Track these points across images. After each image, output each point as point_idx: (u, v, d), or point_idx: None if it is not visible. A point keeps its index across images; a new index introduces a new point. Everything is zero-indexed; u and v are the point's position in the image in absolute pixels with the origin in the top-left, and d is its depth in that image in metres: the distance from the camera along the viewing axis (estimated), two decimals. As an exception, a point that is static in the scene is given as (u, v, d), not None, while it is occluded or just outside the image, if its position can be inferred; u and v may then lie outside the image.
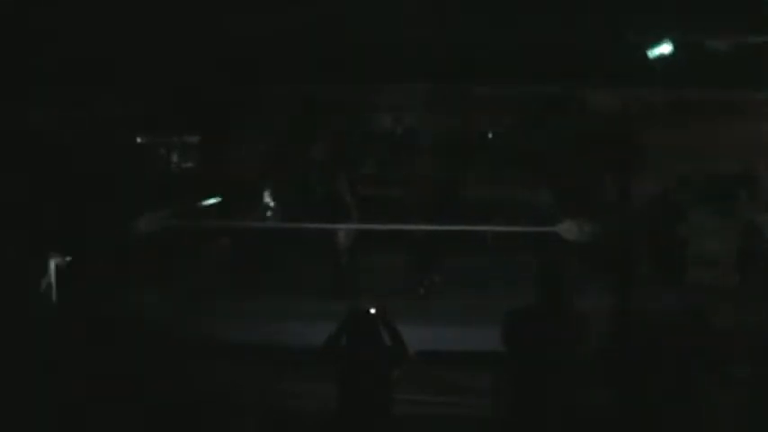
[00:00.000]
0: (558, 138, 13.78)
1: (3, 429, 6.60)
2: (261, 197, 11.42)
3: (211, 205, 12.07)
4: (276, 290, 10.69)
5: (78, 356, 7.20)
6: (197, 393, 7.33)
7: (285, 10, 11.31)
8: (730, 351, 6.88)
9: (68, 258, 8.80)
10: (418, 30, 11.54)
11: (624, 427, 6.66)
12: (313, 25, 11.44)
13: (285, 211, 11.46)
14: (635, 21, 11.33)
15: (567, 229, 8.58)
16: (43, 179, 10.72)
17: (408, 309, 8.05)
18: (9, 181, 10.27)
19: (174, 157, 14.49)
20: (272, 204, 11.34)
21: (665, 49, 11.78)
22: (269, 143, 13.78)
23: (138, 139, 14.21)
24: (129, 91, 12.53)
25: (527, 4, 11.27)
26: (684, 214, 11.53)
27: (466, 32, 11.66)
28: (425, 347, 6.92)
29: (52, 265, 8.64)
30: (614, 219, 9.90)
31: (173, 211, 9.39)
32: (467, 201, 12.19)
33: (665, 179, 12.11)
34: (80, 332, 7.57)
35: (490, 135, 14.77)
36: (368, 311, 6.23)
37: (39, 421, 6.62)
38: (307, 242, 11.36)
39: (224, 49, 11.94)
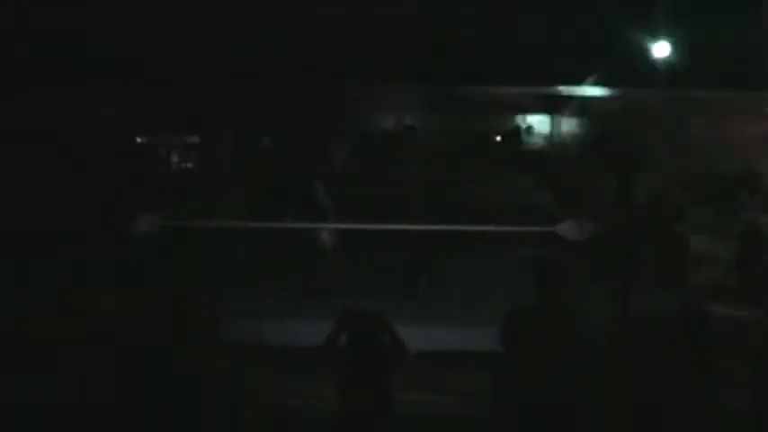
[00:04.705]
0: (557, 138, 13.78)
1: None
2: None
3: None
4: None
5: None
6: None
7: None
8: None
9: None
10: (416, 28, 11.53)
11: (624, 426, 6.66)
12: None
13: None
14: (635, 19, 11.32)
15: (567, 229, 8.56)
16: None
17: (408, 308, 8.05)
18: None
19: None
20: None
21: (666, 48, 11.77)
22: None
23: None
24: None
25: (527, 4, 11.26)
26: (684, 214, 11.52)
27: (465, 31, 11.64)
28: (425, 347, 6.92)
29: None
30: (614, 219, 9.87)
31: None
32: (467, 201, 12.17)
33: (665, 179, 12.11)
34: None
35: (491, 136, 14.78)
36: (366, 312, 6.23)
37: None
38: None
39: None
